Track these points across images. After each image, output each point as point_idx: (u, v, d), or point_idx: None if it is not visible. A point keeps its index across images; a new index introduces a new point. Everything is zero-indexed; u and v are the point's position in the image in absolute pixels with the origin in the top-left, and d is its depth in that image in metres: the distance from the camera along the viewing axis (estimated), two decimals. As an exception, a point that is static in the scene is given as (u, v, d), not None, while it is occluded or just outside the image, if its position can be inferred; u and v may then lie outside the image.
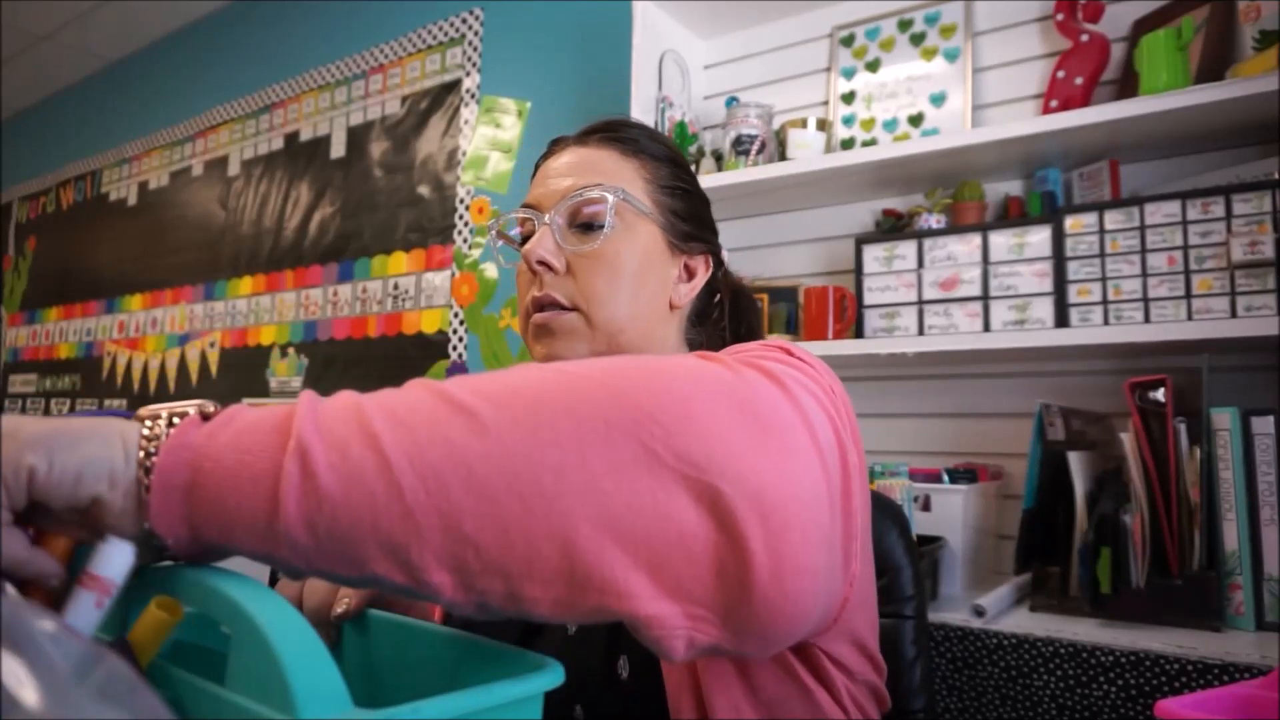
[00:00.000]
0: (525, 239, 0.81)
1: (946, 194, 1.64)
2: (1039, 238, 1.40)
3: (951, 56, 1.70)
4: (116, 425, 0.42)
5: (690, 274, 0.81)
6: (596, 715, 0.65)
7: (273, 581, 0.61)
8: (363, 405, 0.41)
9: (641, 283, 0.75)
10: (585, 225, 0.75)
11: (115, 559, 0.40)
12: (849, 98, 1.81)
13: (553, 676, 0.40)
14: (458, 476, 0.39)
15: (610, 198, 0.74)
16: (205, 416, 0.43)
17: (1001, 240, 1.43)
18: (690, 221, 0.81)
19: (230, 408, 0.43)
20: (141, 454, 0.40)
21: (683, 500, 0.40)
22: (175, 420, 0.42)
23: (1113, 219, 1.33)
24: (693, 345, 0.83)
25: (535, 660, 0.42)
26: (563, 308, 0.74)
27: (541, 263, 0.74)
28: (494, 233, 0.86)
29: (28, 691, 0.23)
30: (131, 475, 0.40)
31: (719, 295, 0.86)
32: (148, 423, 0.42)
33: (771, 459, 0.42)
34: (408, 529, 0.38)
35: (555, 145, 0.85)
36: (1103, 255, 1.33)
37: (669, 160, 0.82)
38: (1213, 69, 1.34)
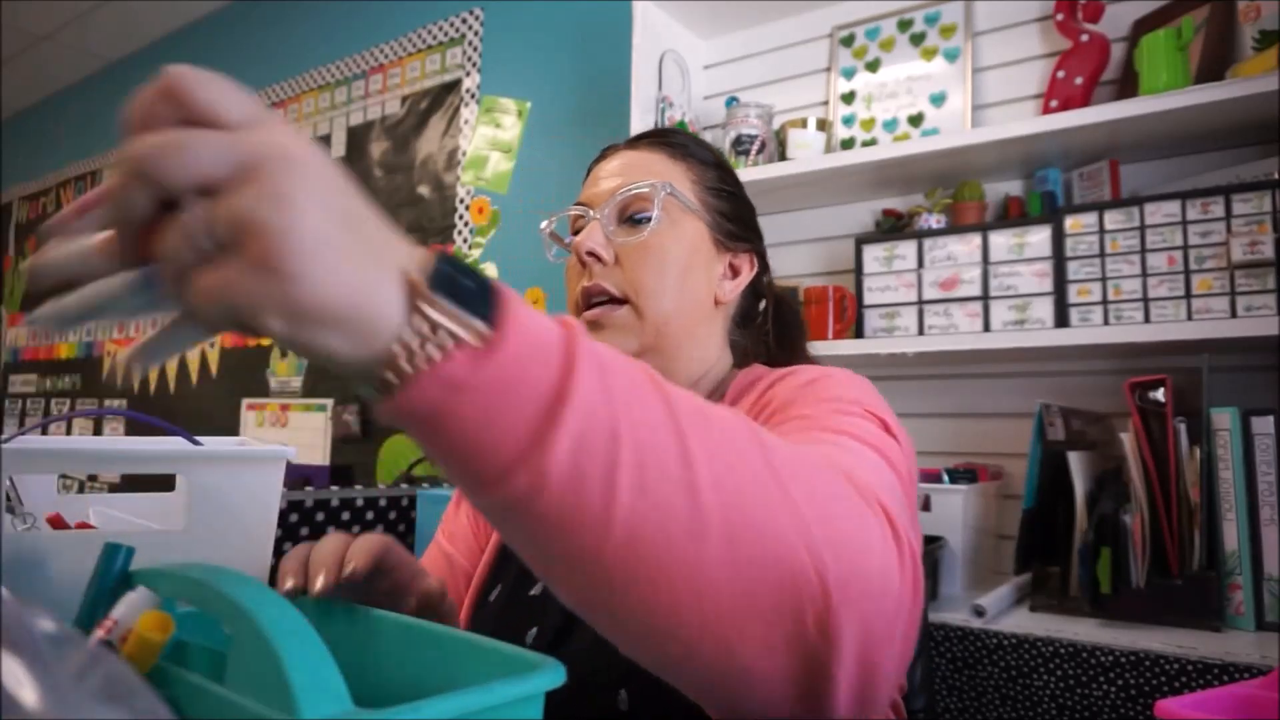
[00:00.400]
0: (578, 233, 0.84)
1: (946, 194, 1.64)
2: (1039, 238, 1.40)
3: (951, 56, 1.70)
4: (385, 301, 0.34)
5: (735, 272, 0.84)
6: (641, 702, 0.66)
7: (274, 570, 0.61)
8: (686, 441, 0.38)
9: (687, 276, 0.78)
10: (633, 219, 0.78)
11: (134, 604, 0.41)
12: (849, 98, 1.81)
13: (553, 676, 0.40)
14: (660, 569, 0.37)
15: (657, 192, 0.77)
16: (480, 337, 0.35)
17: (1001, 240, 1.43)
18: (735, 222, 0.84)
19: (516, 322, 0.36)
20: (399, 351, 0.34)
21: (797, 667, 0.40)
22: (448, 337, 0.34)
23: (1113, 219, 1.33)
24: (736, 347, 0.86)
25: (535, 659, 0.42)
26: (613, 299, 0.77)
27: (591, 253, 0.77)
28: (547, 233, 0.88)
29: (27, 692, 0.23)
30: (368, 358, 0.34)
31: (764, 300, 0.89)
32: (418, 320, 0.34)
33: (893, 642, 0.43)
34: (599, 576, 0.37)
35: (607, 151, 0.88)
36: (1103, 255, 1.33)
37: (715, 165, 0.85)
38: (1213, 69, 1.34)
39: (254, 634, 0.35)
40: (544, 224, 0.89)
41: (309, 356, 0.34)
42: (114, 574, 0.45)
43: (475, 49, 2.57)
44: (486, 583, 0.82)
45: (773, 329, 0.90)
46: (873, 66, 1.79)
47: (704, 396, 0.72)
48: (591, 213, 0.80)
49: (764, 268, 0.88)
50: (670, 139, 0.85)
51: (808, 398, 0.65)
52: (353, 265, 0.33)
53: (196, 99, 0.32)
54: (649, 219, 0.77)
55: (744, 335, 0.87)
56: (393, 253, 0.35)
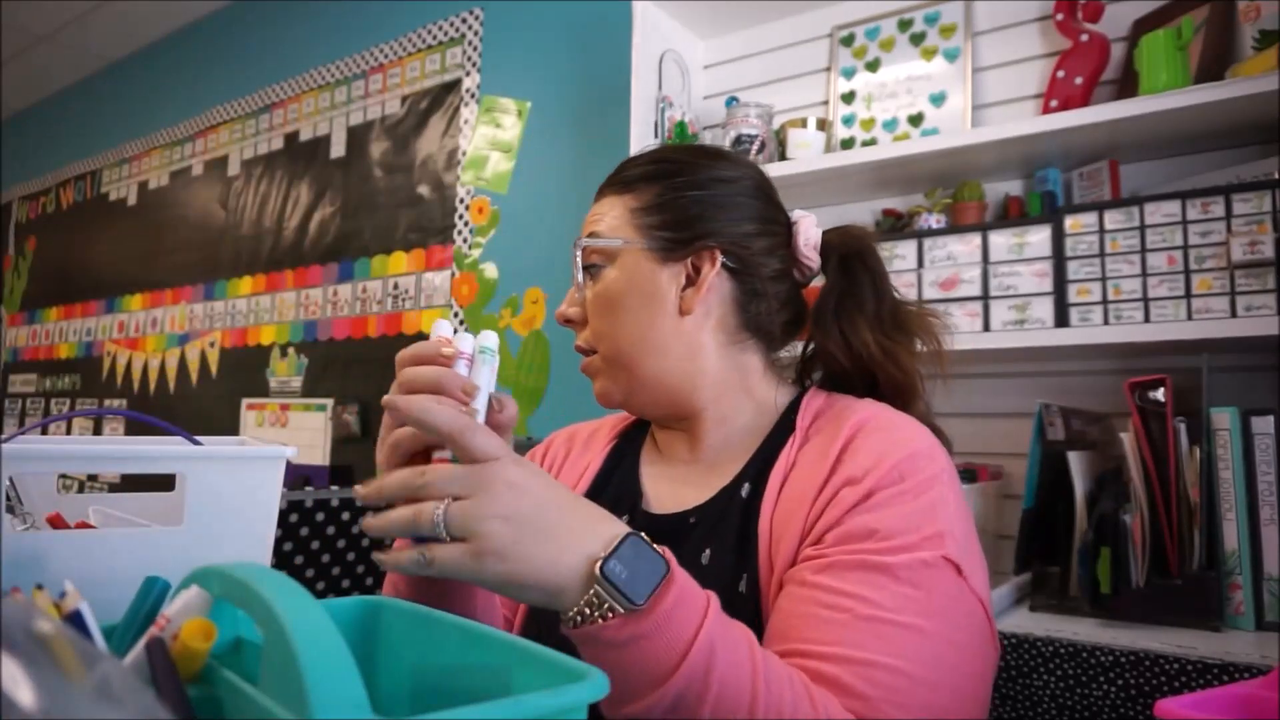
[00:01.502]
0: None
1: (946, 194, 1.64)
2: (1039, 238, 1.40)
3: (951, 56, 1.70)
4: (574, 586, 0.53)
5: (698, 272, 0.79)
6: None
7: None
8: None
9: (632, 308, 0.78)
10: (591, 276, 0.81)
11: (187, 604, 0.44)
12: (849, 97, 1.81)
13: (595, 688, 0.39)
14: None
15: (580, 246, 0.80)
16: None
17: (1001, 240, 1.43)
18: (676, 227, 0.79)
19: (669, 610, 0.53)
20: (582, 610, 0.53)
21: None
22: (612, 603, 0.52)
23: (1113, 219, 1.33)
24: (745, 347, 0.80)
25: (582, 669, 0.41)
26: (588, 352, 0.81)
27: (566, 320, 0.82)
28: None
29: (24, 692, 0.23)
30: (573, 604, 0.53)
31: (758, 281, 0.80)
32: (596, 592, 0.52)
33: None
34: None
35: None
36: (1103, 255, 1.33)
37: (658, 176, 0.81)
38: (1212, 69, 1.34)
39: (280, 636, 0.36)
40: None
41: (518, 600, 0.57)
42: (150, 604, 0.47)
43: (475, 49, 2.57)
44: None
45: (843, 304, 0.81)
46: (873, 66, 1.79)
47: (764, 429, 0.79)
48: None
49: (735, 253, 0.79)
50: (619, 174, 0.84)
51: (888, 524, 0.64)
52: (543, 552, 0.52)
53: (464, 445, 0.54)
54: (593, 272, 0.80)
55: (759, 340, 0.81)
56: (581, 543, 0.53)
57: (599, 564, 0.52)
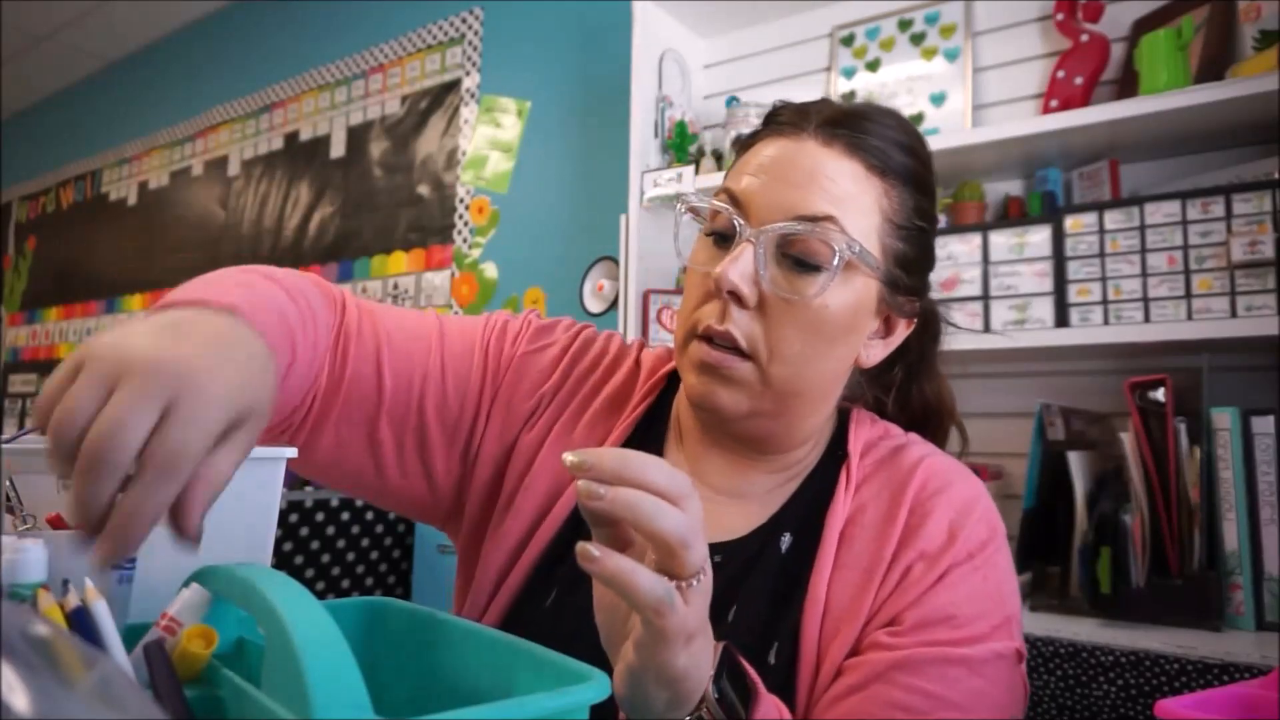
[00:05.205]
0: (716, 230, 0.66)
1: (946, 194, 1.64)
2: (1039, 238, 1.40)
3: (951, 56, 1.70)
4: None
5: (889, 330, 0.69)
6: None
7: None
8: None
9: (835, 344, 0.64)
10: (798, 261, 0.61)
11: (189, 604, 0.45)
12: (849, 97, 1.81)
13: (597, 690, 0.39)
14: None
15: (840, 250, 0.60)
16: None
17: (1001, 240, 1.43)
18: (914, 271, 0.67)
19: None
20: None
21: None
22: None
23: (1113, 219, 1.33)
24: (850, 397, 0.73)
25: (584, 671, 0.41)
26: (740, 352, 0.62)
27: (733, 292, 0.61)
28: (682, 208, 0.69)
29: (19, 697, 0.23)
30: None
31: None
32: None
33: None
34: None
35: (784, 121, 0.67)
36: (1103, 255, 1.33)
37: (915, 184, 0.66)
38: (1213, 69, 1.33)
39: (283, 637, 0.36)
40: (679, 202, 0.69)
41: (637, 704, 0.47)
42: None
43: (475, 49, 2.57)
44: (536, 587, 0.70)
45: (904, 349, 0.74)
46: (873, 66, 1.79)
47: (812, 460, 0.70)
48: (744, 227, 0.62)
49: (922, 313, 0.71)
50: (869, 139, 0.64)
51: (964, 608, 0.61)
52: (705, 652, 0.47)
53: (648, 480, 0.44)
54: (818, 269, 0.61)
55: (860, 378, 0.73)
56: (710, 653, 0.48)
57: (709, 681, 0.48)
